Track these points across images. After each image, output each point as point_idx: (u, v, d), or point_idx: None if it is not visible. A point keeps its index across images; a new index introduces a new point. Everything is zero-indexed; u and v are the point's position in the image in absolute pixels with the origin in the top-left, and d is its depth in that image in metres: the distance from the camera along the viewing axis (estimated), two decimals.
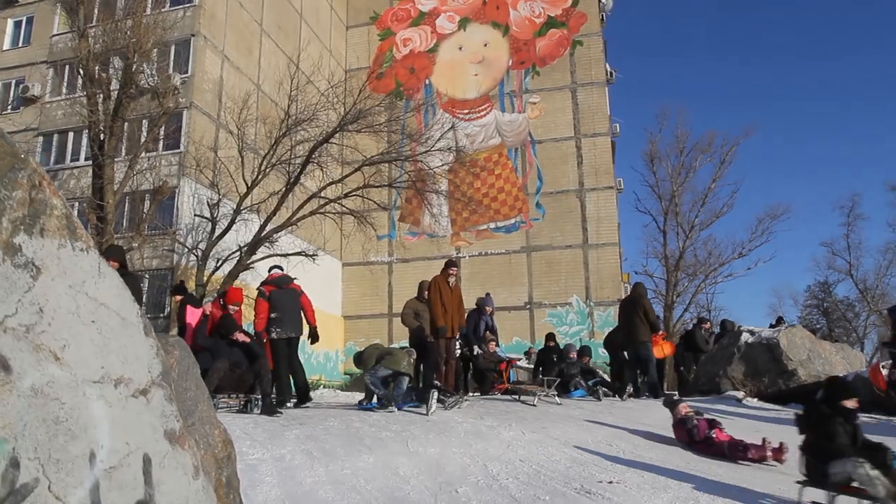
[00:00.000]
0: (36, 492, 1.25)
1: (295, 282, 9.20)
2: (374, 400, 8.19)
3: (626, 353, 11.69)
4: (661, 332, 12.21)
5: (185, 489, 1.64)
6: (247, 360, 7.59)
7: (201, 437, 1.73)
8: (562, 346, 12.36)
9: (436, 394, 8.09)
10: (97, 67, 16.26)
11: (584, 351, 11.71)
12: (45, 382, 1.34)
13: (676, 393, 11.72)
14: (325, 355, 27.53)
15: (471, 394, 10.95)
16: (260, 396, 7.38)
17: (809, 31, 76.66)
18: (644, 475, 5.90)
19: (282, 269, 9.40)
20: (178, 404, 1.69)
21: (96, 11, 17.96)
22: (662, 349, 12.05)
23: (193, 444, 1.72)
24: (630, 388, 10.90)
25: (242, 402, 7.54)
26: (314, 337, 8.96)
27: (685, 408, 7.81)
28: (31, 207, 1.42)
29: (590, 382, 10.81)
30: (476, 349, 11.11)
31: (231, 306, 8.43)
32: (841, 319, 38.50)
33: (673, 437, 7.73)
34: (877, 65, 72.80)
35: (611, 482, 5.56)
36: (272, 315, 8.54)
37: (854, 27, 75.08)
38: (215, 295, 10.94)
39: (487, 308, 11.67)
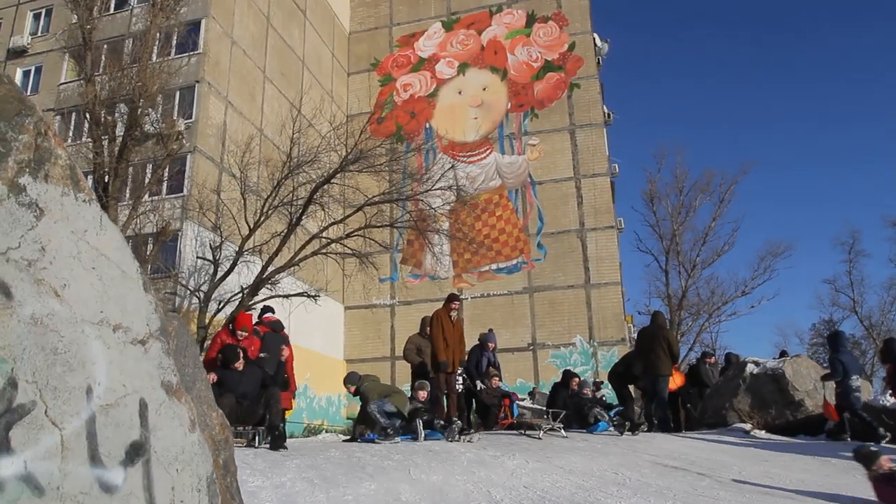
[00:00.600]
0: (33, 414, 1.26)
1: (284, 330, 9.67)
2: (377, 432, 8.20)
3: (641, 385, 11.63)
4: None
5: (182, 440, 1.63)
6: (257, 389, 7.46)
7: (199, 418, 1.72)
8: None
9: (421, 422, 8.15)
10: (103, 112, 16.56)
11: (598, 385, 11.69)
12: (45, 314, 1.36)
13: (872, 443, 9.44)
14: (328, 399, 27.26)
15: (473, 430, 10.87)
16: (267, 428, 7.26)
17: (802, 62, 77.99)
18: (651, 500, 5.78)
19: (273, 312, 9.82)
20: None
21: (104, 58, 18.35)
22: (674, 380, 11.97)
23: (189, 401, 1.71)
24: (644, 424, 10.82)
25: (250, 436, 7.38)
26: (284, 386, 9.00)
27: (888, 461, 6.15)
28: (37, 153, 1.46)
29: (612, 413, 10.69)
30: (479, 384, 11.03)
31: (240, 332, 8.44)
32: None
33: (680, 466, 7.60)
34: (873, 96, 73.86)
35: None
36: (260, 354, 8.70)
37: (843, 55, 76.45)
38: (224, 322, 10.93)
39: (490, 344, 11.62)
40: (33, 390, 1.28)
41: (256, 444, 7.14)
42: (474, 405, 11.40)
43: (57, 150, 1.53)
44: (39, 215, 1.45)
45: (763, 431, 10.93)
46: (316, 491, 5.35)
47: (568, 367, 15.63)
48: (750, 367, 11.56)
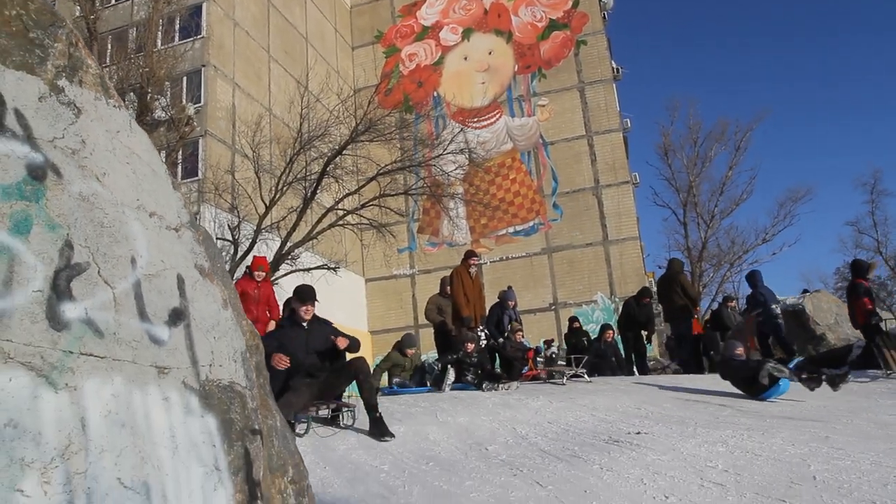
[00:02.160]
0: (88, 272, 1.45)
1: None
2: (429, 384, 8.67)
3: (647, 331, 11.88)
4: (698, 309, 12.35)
5: (216, 314, 1.82)
6: (326, 358, 5.94)
7: (231, 300, 1.91)
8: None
9: (452, 372, 8.38)
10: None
11: (607, 327, 11.88)
12: (91, 194, 1.54)
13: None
14: None
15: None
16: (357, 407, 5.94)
17: (815, 11, 76.17)
18: (672, 427, 5.94)
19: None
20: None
21: (109, 49, 18.52)
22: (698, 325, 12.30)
23: (220, 284, 1.89)
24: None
25: (331, 412, 6.02)
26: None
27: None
28: (70, 60, 1.63)
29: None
30: (501, 339, 11.19)
31: (257, 273, 8.69)
32: (874, 299, 37.80)
33: (701, 400, 7.75)
34: (886, 40, 72.02)
35: (638, 433, 5.62)
36: None
37: (862, 5, 74.47)
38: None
39: (510, 301, 11.67)
40: (87, 253, 1.46)
41: (342, 423, 5.85)
42: (497, 360, 11.60)
43: (87, 60, 1.69)
44: (77, 114, 1.61)
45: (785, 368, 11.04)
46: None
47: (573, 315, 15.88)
48: (774, 307, 11.62)
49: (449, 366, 8.43)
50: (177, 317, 1.68)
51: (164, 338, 1.62)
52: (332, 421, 5.97)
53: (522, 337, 11.67)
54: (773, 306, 10.86)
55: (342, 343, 5.91)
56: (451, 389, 8.26)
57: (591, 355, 11.17)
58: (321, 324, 6.13)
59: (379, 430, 5.54)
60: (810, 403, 7.59)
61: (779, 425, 6.05)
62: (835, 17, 75.03)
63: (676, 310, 10.99)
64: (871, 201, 34.94)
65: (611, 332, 11.81)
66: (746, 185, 37.39)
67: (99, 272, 1.49)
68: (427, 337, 21.29)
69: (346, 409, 5.95)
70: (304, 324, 5.97)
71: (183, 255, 1.79)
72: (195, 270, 1.81)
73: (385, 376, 9.78)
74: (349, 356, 6.05)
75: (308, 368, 5.80)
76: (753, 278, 11.49)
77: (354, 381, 5.88)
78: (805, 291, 14.06)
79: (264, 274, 8.84)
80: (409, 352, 9.79)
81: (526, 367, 10.46)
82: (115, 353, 1.45)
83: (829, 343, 10.94)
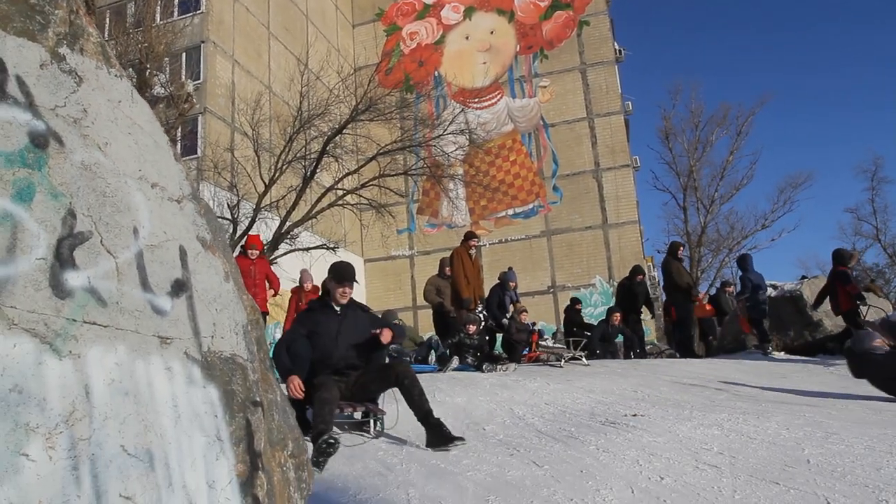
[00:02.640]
0: (91, 241, 1.45)
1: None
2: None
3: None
4: (696, 294, 12.33)
5: (218, 287, 1.82)
6: (362, 353, 5.00)
7: (232, 274, 1.91)
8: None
9: (456, 359, 8.42)
10: None
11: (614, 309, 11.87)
12: (93, 163, 1.53)
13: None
14: None
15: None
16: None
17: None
18: (668, 410, 5.98)
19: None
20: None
21: (108, 23, 18.36)
22: (703, 308, 12.46)
23: (222, 256, 1.89)
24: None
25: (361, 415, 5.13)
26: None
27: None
28: (71, 28, 1.61)
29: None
30: (506, 320, 11.12)
31: (250, 251, 8.88)
32: (875, 287, 37.90)
33: (698, 383, 7.80)
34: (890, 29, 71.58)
35: (635, 415, 5.65)
36: None
37: None
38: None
39: (511, 283, 11.63)
40: (89, 222, 1.46)
41: (371, 432, 4.92)
42: (497, 342, 11.61)
43: (89, 28, 1.68)
44: (79, 82, 1.60)
45: (782, 353, 11.10)
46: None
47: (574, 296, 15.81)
48: (769, 291, 11.66)
49: (450, 351, 8.49)
50: (179, 288, 1.68)
51: (167, 308, 1.62)
52: (360, 426, 5.12)
53: (527, 318, 11.66)
54: (761, 291, 10.97)
55: (386, 337, 4.87)
56: (452, 370, 8.33)
57: (595, 338, 11.19)
58: (359, 311, 5.15)
59: (442, 437, 4.49)
60: (805, 388, 7.65)
61: (774, 409, 6.08)
62: (838, 5, 74.50)
63: (673, 294, 11.04)
64: (871, 188, 34.97)
65: (618, 314, 11.71)
66: (747, 171, 37.42)
67: (101, 241, 1.48)
68: (425, 318, 21.38)
69: (378, 415, 5.00)
70: (339, 308, 4.93)
71: (185, 226, 1.78)
72: (197, 242, 1.81)
73: None
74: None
75: (337, 363, 4.82)
76: (744, 262, 11.58)
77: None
78: (804, 277, 14.09)
79: (258, 252, 9.00)
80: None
81: (527, 349, 10.47)
82: (118, 322, 1.46)
83: (826, 329, 10.97)
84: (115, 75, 1.75)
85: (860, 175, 53.23)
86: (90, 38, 1.67)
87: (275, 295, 9.52)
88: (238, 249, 10.69)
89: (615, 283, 26.49)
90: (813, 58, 75.30)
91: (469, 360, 8.56)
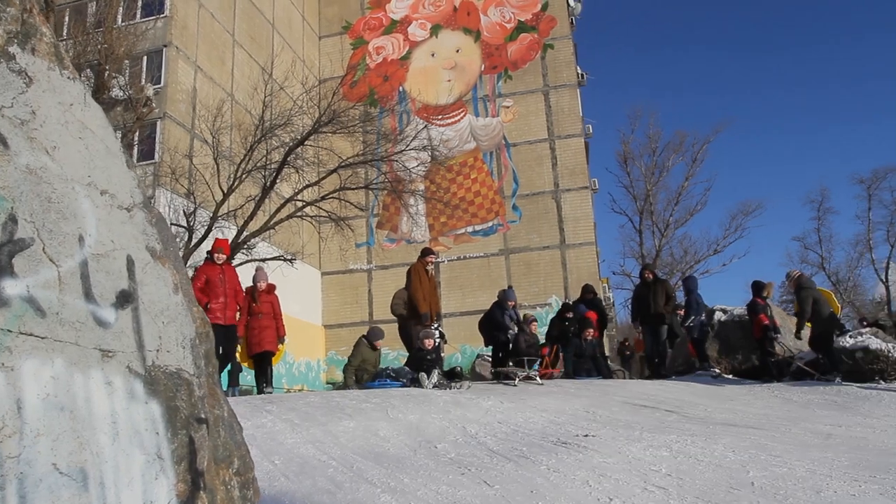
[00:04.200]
0: (32, 248, 1.38)
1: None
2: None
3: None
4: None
5: (166, 299, 1.76)
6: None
7: (182, 285, 1.85)
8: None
9: (430, 376, 8.31)
10: None
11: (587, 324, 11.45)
12: (39, 167, 1.47)
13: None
14: (307, 364, 27.45)
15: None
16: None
17: (773, 25, 78.39)
18: (619, 431, 6.05)
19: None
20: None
21: (66, 20, 17.94)
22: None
23: (172, 267, 1.84)
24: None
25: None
26: None
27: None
28: (23, 27, 1.55)
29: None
30: (514, 330, 10.67)
31: (217, 255, 8.45)
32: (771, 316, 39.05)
33: (649, 405, 7.89)
34: (843, 60, 74.60)
35: (586, 435, 5.69)
36: None
37: (815, 21, 76.94)
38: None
39: (510, 301, 11.08)
40: (31, 228, 1.40)
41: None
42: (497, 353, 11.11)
43: (42, 28, 1.62)
44: (29, 83, 1.54)
45: (731, 375, 11.35)
46: (296, 429, 5.52)
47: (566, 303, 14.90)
48: (718, 315, 11.93)
49: (408, 366, 8.39)
50: (124, 299, 1.62)
51: (111, 320, 1.56)
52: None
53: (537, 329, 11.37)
54: (695, 317, 11.35)
55: None
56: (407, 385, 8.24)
57: (568, 353, 11.08)
58: None
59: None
60: (751, 411, 7.81)
61: (721, 432, 6.20)
62: (794, 29, 77.37)
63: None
64: (817, 218, 36.15)
65: (591, 330, 11.33)
66: (701, 197, 38.31)
67: (44, 249, 1.42)
68: (387, 331, 21.19)
69: None
70: None
71: (134, 235, 1.73)
72: (146, 252, 1.75)
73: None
74: None
75: None
76: (688, 284, 11.90)
77: None
78: None
79: (224, 257, 8.55)
80: (378, 343, 9.64)
81: (538, 363, 9.96)
82: (57, 333, 1.40)
83: (774, 353, 11.23)
84: (68, 77, 1.70)
85: (807, 205, 55.05)
86: (43, 37, 1.62)
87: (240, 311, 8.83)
88: (203, 256, 10.33)
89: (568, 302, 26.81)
90: (768, 81, 78.10)
91: (435, 377, 8.43)
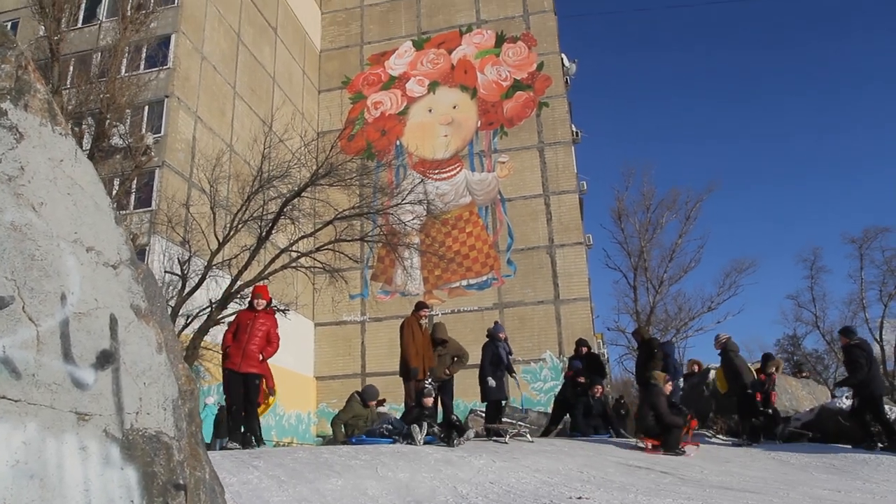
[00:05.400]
0: (11, 307, 1.34)
1: None
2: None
3: None
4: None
5: (149, 359, 1.71)
6: None
7: (167, 344, 1.81)
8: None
9: (422, 428, 8.13)
10: (70, 123, 16.42)
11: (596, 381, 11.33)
12: (24, 223, 1.44)
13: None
14: (298, 417, 27.01)
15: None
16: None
17: (765, 79, 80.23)
18: (613, 493, 5.90)
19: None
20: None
21: (71, 70, 18.25)
22: None
23: (157, 327, 1.79)
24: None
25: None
26: None
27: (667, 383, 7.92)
28: (17, 83, 1.55)
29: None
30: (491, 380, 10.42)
31: (256, 301, 8.21)
32: (812, 372, 38.87)
33: (644, 466, 7.74)
34: (833, 114, 76.17)
35: (580, 498, 5.55)
36: None
37: (806, 70, 78.83)
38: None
39: (500, 334, 10.65)
40: (12, 287, 1.37)
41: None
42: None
43: (36, 84, 1.62)
44: (19, 139, 1.53)
45: (725, 436, 11.17)
46: (283, 486, 5.36)
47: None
48: (713, 374, 11.81)
49: (414, 425, 8.20)
50: (105, 359, 1.58)
51: (89, 381, 1.51)
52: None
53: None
54: (673, 381, 11.14)
55: None
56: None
57: (577, 411, 10.91)
58: None
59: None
60: (749, 474, 7.66)
61: (718, 496, 6.06)
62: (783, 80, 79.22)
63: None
64: (810, 277, 36.28)
65: (598, 387, 11.17)
66: (695, 254, 38.35)
67: (24, 308, 1.39)
68: (377, 385, 20.87)
69: None
70: None
71: (119, 293, 1.70)
72: (130, 311, 1.72)
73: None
74: None
75: None
76: (664, 349, 11.68)
77: None
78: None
79: (264, 303, 8.33)
80: (371, 404, 9.50)
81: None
82: (32, 396, 1.34)
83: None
84: (60, 133, 1.70)
85: (800, 263, 55.42)
86: (37, 94, 1.62)
87: (263, 360, 8.26)
88: (196, 304, 10.16)
89: (565, 359, 26.59)
90: (759, 132, 79.63)
91: (436, 429, 8.27)
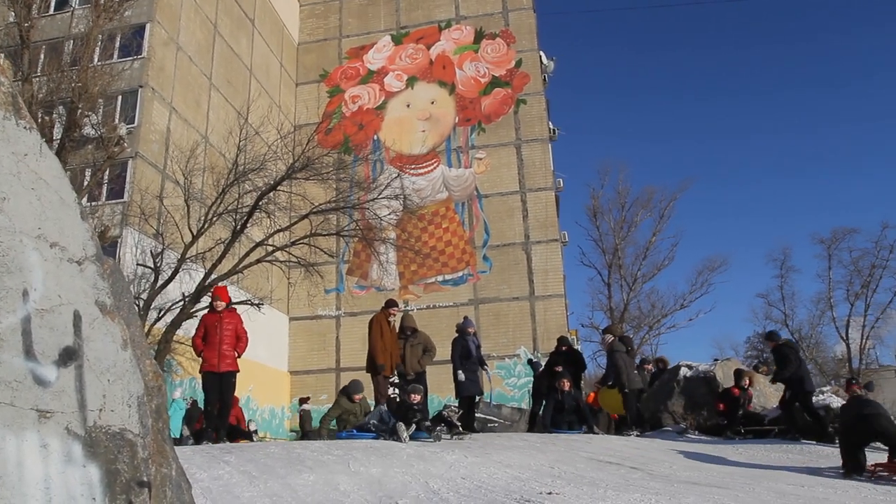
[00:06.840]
0: None
1: None
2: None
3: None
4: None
5: (114, 355, 1.70)
6: None
7: (132, 341, 1.79)
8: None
9: (409, 426, 8.13)
10: (40, 112, 16.11)
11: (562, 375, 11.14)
12: None
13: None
14: (271, 411, 26.87)
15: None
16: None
17: (739, 79, 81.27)
18: (584, 488, 5.97)
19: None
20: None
21: (42, 58, 17.89)
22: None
23: (122, 323, 1.78)
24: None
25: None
26: None
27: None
28: None
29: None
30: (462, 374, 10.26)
31: (215, 303, 8.31)
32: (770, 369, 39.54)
33: (614, 461, 7.83)
34: (803, 116, 77.43)
35: (549, 493, 5.61)
36: None
37: (777, 71, 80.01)
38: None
39: (470, 329, 10.72)
40: None
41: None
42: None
43: (0, 76, 1.60)
44: None
45: (696, 432, 11.34)
46: (254, 482, 5.35)
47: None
48: (683, 371, 11.99)
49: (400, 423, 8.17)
50: (68, 356, 1.57)
51: (51, 379, 1.50)
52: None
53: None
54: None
55: None
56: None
57: (548, 405, 10.93)
58: None
59: None
60: (716, 469, 7.80)
61: (686, 490, 6.16)
62: (759, 81, 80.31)
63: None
64: (780, 276, 36.93)
65: (566, 381, 10.93)
66: (668, 252, 38.81)
67: None
68: (348, 380, 20.85)
69: None
70: None
71: (83, 290, 1.68)
72: (95, 307, 1.71)
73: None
74: None
75: None
76: (628, 341, 12.29)
77: None
78: (716, 360, 14.58)
79: (223, 304, 8.40)
80: (357, 397, 9.52)
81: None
82: None
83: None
84: (25, 127, 1.67)
85: (771, 263, 56.38)
86: (0, 87, 1.60)
87: (237, 357, 8.41)
88: (169, 297, 10.13)
89: (539, 355, 26.75)
90: (732, 131, 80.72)
91: (427, 424, 8.28)
